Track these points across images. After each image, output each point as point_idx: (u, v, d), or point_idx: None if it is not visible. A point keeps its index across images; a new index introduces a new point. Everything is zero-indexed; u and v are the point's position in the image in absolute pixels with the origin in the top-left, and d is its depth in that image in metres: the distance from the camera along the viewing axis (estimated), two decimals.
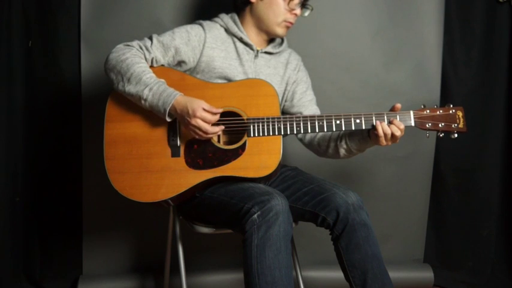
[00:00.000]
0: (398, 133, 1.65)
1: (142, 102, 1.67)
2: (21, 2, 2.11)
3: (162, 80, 1.69)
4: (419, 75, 2.40)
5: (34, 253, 2.25)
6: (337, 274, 1.74)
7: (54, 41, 2.18)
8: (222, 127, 1.68)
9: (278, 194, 1.57)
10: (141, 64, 1.68)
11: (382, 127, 1.65)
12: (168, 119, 1.67)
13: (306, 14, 1.86)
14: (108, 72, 1.71)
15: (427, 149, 2.46)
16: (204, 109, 1.63)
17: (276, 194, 1.56)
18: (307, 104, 1.93)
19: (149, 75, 1.67)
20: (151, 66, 1.74)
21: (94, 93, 2.19)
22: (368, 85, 2.37)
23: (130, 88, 1.66)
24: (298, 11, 1.82)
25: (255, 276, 1.49)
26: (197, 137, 1.67)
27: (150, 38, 1.76)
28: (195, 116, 1.62)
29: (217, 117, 1.66)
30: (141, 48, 1.73)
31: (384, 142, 1.67)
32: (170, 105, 1.63)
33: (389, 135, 1.65)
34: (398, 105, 1.69)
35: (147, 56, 1.73)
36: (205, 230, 1.77)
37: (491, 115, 2.46)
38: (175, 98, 1.64)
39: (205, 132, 1.65)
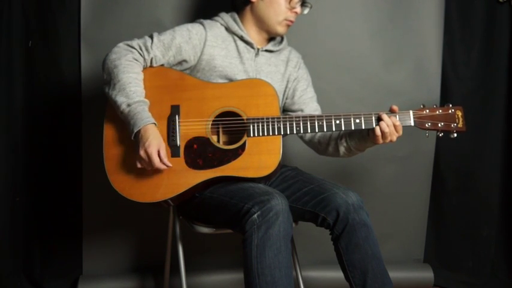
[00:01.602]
0: (394, 136, 1.67)
1: (119, 113, 1.67)
2: (21, 2, 2.11)
3: (144, 100, 1.68)
4: (419, 75, 2.40)
5: (34, 253, 2.25)
6: (337, 274, 1.74)
7: (54, 41, 2.18)
8: (167, 166, 1.65)
9: (278, 194, 1.57)
10: (131, 74, 1.68)
11: (380, 125, 1.66)
12: (133, 139, 1.66)
13: (306, 11, 1.87)
14: (103, 70, 1.72)
15: (427, 149, 2.46)
16: (159, 153, 1.63)
17: (276, 194, 1.56)
18: (307, 101, 1.93)
19: (134, 89, 1.66)
20: (151, 66, 1.74)
21: (94, 93, 2.19)
22: (368, 85, 2.37)
23: (113, 94, 1.67)
24: (298, 9, 1.82)
25: (255, 276, 1.49)
26: (139, 165, 1.67)
27: (151, 37, 1.76)
28: (145, 150, 1.62)
29: (163, 167, 1.65)
30: (140, 49, 1.73)
31: (380, 140, 1.68)
32: (138, 129, 1.63)
33: (386, 133, 1.66)
34: (395, 107, 1.70)
35: (146, 57, 1.73)
36: (205, 230, 1.77)
37: (491, 115, 2.46)
38: (145, 124, 1.63)
39: (143, 167, 1.66)
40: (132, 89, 1.66)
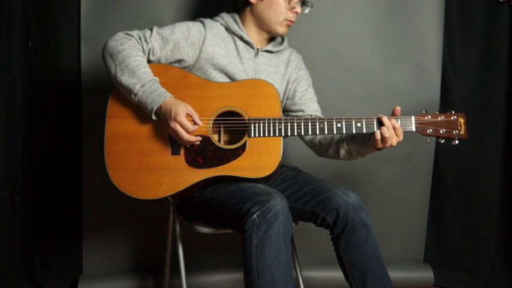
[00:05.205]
0: (394, 141, 1.66)
1: (132, 96, 1.67)
2: (21, 2, 2.11)
3: (156, 78, 1.69)
4: (419, 75, 2.40)
5: (34, 253, 2.25)
6: (337, 274, 1.74)
7: (54, 40, 2.18)
8: (199, 138, 1.68)
9: (277, 193, 1.57)
10: (137, 57, 1.69)
11: (381, 130, 1.66)
12: (154, 117, 1.67)
13: (306, 11, 1.87)
14: (104, 59, 1.72)
15: (427, 149, 2.46)
16: (188, 114, 1.65)
17: (275, 193, 1.56)
18: (308, 102, 1.93)
19: (143, 70, 1.67)
20: (149, 61, 1.75)
21: (94, 93, 2.19)
22: (368, 85, 2.37)
23: (123, 79, 1.67)
24: (298, 9, 1.82)
25: (254, 276, 1.49)
26: (177, 139, 1.68)
27: (151, 29, 1.77)
28: (175, 120, 1.63)
29: (196, 127, 1.66)
30: (139, 38, 1.73)
31: (380, 144, 1.67)
32: (158, 105, 1.64)
33: (387, 138, 1.65)
34: (398, 108, 1.69)
35: (145, 47, 1.73)
36: (205, 230, 1.77)
37: (491, 115, 2.46)
38: (164, 99, 1.65)
39: (181, 138, 1.66)
40: (142, 71, 1.67)
